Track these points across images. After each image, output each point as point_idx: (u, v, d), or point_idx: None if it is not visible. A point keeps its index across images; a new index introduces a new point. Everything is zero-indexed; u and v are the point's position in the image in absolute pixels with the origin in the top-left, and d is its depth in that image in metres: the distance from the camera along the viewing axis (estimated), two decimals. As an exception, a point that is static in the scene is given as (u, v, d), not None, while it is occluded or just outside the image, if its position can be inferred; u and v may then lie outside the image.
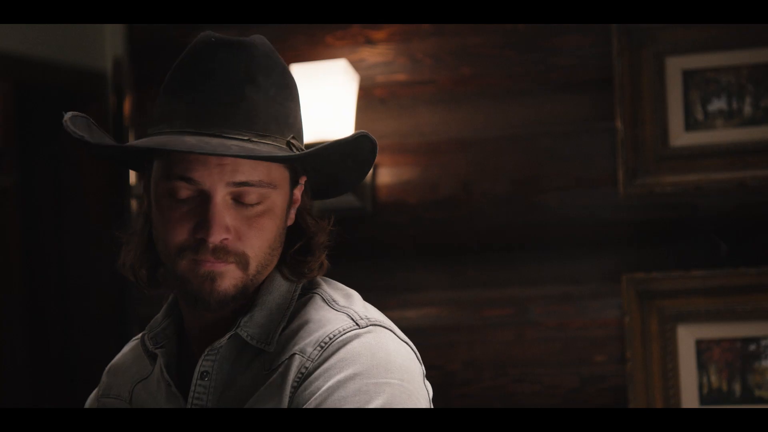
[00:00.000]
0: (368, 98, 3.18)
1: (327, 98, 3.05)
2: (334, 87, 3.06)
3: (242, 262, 1.45)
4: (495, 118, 3.11)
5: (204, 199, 1.43)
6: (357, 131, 1.47)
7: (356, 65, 3.17)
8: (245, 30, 3.26)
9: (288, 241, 1.50)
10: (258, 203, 1.44)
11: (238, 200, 1.44)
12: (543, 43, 3.07)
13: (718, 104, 2.94)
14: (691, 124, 2.96)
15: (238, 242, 1.44)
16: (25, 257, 3.90)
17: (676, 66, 2.96)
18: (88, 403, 1.64)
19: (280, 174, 1.46)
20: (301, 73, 3.08)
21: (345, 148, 1.46)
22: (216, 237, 1.42)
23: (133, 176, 3.31)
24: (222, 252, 1.43)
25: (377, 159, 3.18)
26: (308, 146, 1.49)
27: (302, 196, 1.52)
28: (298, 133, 1.48)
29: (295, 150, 1.47)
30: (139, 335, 1.60)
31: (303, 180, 1.52)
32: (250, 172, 1.43)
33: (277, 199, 1.46)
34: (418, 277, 3.14)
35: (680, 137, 2.96)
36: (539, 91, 3.08)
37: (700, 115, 2.95)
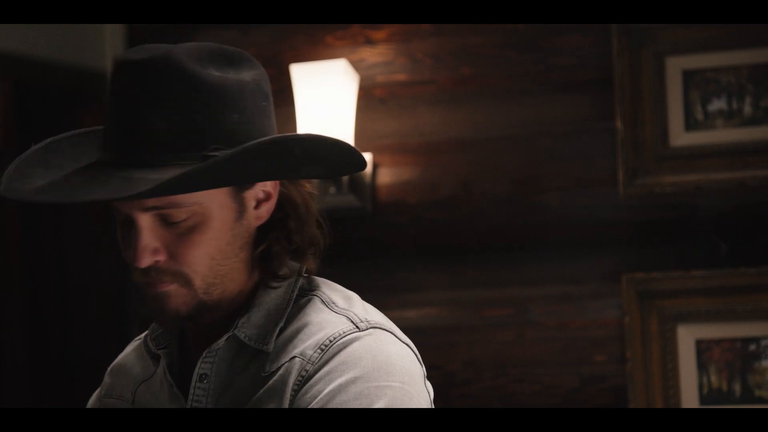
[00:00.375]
0: (368, 98, 3.18)
1: (327, 98, 3.05)
2: (334, 87, 3.06)
3: (182, 280, 1.43)
4: (495, 118, 3.11)
5: (132, 224, 1.42)
6: (262, 140, 1.40)
7: (356, 65, 3.16)
8: (245, 30, 3.27)
9: (262, 240, 1.47)
10: (186, 220, 1.41)
11: (164, 220, 1.41)
12: (543, 43, 3.07)
13: (718, 104, 2.94)
14: (691, 124, 2.95)
15: (172, 261, 1.42)
16: (25, 257, 3.89)
17: (676, 66, 2.96)
18: (91, 403, 1.64)
19: (204, 192, 1.41)
20: (301, 73, 3.08)
21: (230, 163, 1.38)
22: (143, 262, 1.41)
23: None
24: (159, 273, 1.42)
25: (377, 159, 3.20)
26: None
27: (285, 185, 1.48)
28: (228, 140, 1.40)
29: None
30: (142, 335, 1.60)
31: (255, 185, 1.46)
32: (156, 198, 1.39)
33: (209, 212, 1.42)
34: (418, 277, 3.14)
35: (680, 137, 2.96)
36: (539, 91, 3.08)
37: (700, 115, 2.95)
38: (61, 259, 3.82)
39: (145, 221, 1.41)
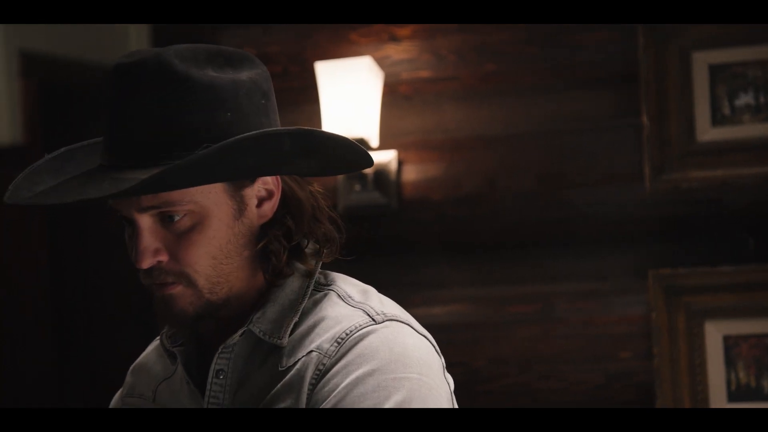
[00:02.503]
0: (393, 95, 3.17)
1: (351, 96, 3.05)
2: (358, 84, 3.06)
3: (186, 280, 1.43)
4: (519, 114, 3.10)
5: (133, 225, 1.44)
6: (243, 135, 1.40)
7: (381, 62, 3.16)
8: (269, 28, 3.27)
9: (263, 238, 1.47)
10: (184, 218, 1.42)
11: (163, 220, 1.42)
12: (567, 39, 3.06)
13: (744, 99, 2.92)
14: (717, 119, 2.94)
15: (173, 262, 1.42)
16: (51, 260, 3.92)
17: (702, 61, 2.94)
18: (113, 403, 1.65)
19: (199, 189, 1.42)
20: (326, 70, 3.08)
21: (207, 160, 1.38)
22: (144, 263, 1.42)
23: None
24: (160, 273, 1.43)
25: (402, 155, 3.19)
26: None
27: (286, 182, 1.47)
28: (219, 139, 1.40)
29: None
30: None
31: (259, 181, 1.46)
32: (150, 198, 1.40)
33: (206, 211, 1.43)
34: (443, 274, 3.14)
35: (707, 132, 2.94)
36: (564, 87, 3.06)
37: (726, 110, 2.93)
38: (85, 261, 3.85)
39: (145, 222, 1.42)
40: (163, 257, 1.43)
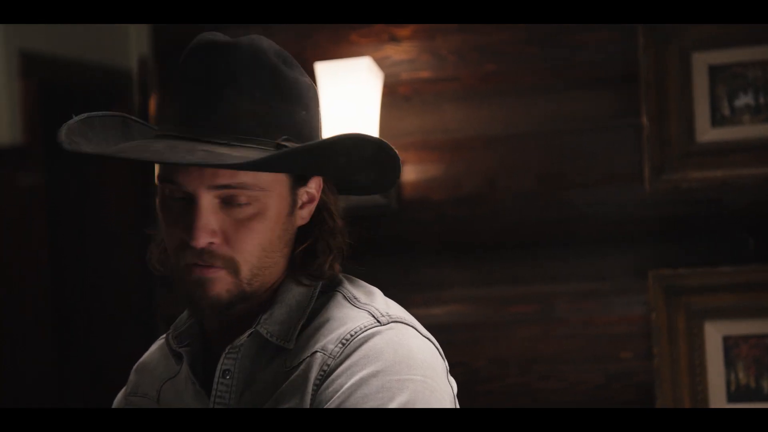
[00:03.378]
0: (393, 96, 3.18)
1: (351, 96, 3.05)
2: (358, 85, 3.06)
3: (232, 267, 1.43)
4: (519, 114, 3.11)
5: (190, 201, 1.42)
6: (347, 133, 1.44)
7: (380, 63, 3.17)
8: (269, 27, 3.27)
9: (301, 240, 1.49)
10: (247, 205, 1.43)
11: (226, 202, 1.42)
12: (567, 39, 3.06)
13: (744, 99, 2.92)
14: (717, 120, 2.94)
15: (226, 246, 1.42)
16: (51, 256, 3.92)
17: (702, 61, 2.94)
18: (116, 401, 1.65)
19: (271, 176, 1.44)
20: (325, 71, 3.08)
21: (321, 151, 1.43)
22: (200, 241, 1.41)
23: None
24: (209, 256, 1.42)
25: (401, 156, 3.18)
26: None
27: (324, 192, 1.51)
28: (297, 134, 1.44)
29: None
30: (166, 333, 1.61)
31: (318, 178, 1.50)
32: (231, 174, 1.41)
33: (269, 201, 1.44)
34: (443, 274, 3.14)
35: (706, 133, 2.94)
36: (564, 88, 3.07)
37: (726, 111, 2.94)
38: (85, 261, 3.85)
39: (208, 201, 1.42)
40: (217, 239, 1.42)
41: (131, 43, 3.53)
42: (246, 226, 1.43)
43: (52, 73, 3.58)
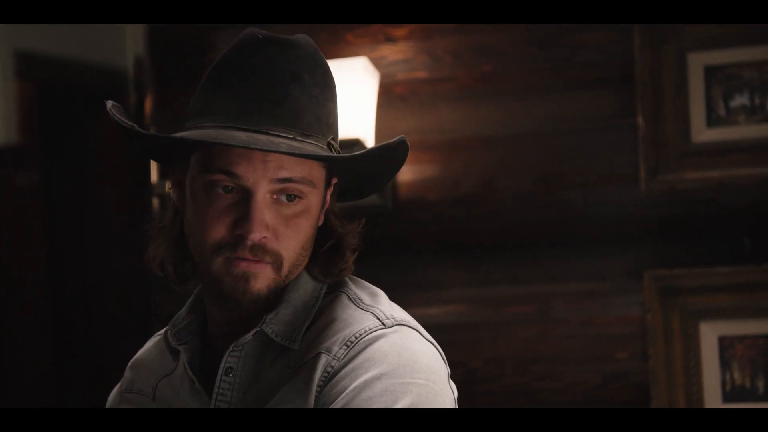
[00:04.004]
0: (389, 96, 3.18)
1: (347, 96, 3.05)
2: (354, 85, 3.06)
3: (277, 262, 1.44)
4: (516, 114, 3.11)
5: (245, 195, 1.43)
6: (398, 136, 1.46)
7: (376, 63, 3.17)
8: (264, 29, 3.27)
9: (317, 241, 1.50)
10: (297, 201, 1.44)
11: (277, 199, 1.44)
12: (564, 40, 3.06)
13: (740, 100, 2.92)
14: (713, 120, 2.94)
15: (275, 241, 1.44)
16: (49, 255, 3.92)
17: (698, 62, 2.94)
18: (110, 397, 1.65)
19: (318, 174, 1.46)
20: (322, 71, 3.08)
21: (388, 152, 1.46)
22: (256, 234, 1.42)
23: (155, 175, 3.32)
24: (260, 251, 1.43)
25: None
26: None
27: (330, 197, 1.52)
28: (336, 135, 1.48)
29: (333, 151, 1.47)
30: (163, 330, 1.60)
31: (334, 181, 1.51)
32: (293, 168, 1.43)
33: (313, 199, 1.46)
34: (441, 275, 3.14)
35: (702, 133, 2.95)
36: (560, 88, 3.07)
37: (722, 111, 2.94)
38: (85, 261, 3.85)
39: (265, 195, 1.43)
40: (269, 234, 1.43)
41: (128, 43, 3.53)
42: (295, 223, 1.45)
43: (49, 73, 3.58)
